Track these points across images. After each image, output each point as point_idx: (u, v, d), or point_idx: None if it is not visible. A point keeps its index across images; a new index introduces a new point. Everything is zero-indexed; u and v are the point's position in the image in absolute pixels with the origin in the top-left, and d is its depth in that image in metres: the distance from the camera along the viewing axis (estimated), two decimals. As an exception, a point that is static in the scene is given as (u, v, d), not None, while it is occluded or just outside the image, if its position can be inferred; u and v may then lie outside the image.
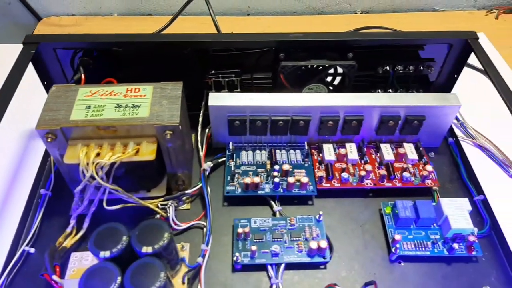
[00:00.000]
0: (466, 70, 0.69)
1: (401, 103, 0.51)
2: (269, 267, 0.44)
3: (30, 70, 0.50)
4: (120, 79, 0.49)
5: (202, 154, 0.52)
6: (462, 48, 0.53)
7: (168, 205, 0.46)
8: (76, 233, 0.46)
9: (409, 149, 0.53)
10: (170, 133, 0.41)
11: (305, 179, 0.49)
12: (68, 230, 0.45)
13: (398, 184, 0.51)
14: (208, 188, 0.49)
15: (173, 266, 0.41)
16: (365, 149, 0.54)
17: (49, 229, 0.47)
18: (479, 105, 0.64)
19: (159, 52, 0.51)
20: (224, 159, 0.53)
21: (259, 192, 0.49)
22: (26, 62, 0.48)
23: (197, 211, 0.49)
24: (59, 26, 0.81)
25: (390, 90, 0.58)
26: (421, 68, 0.55)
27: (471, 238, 0.45)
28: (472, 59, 0.54)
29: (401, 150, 0.53)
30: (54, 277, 0.39)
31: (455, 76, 0.57)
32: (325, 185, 0.50)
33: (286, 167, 0.50)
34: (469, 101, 0.64)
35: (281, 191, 0.50)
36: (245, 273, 0.44)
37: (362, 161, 0.53)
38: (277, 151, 0.53)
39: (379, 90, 0.57)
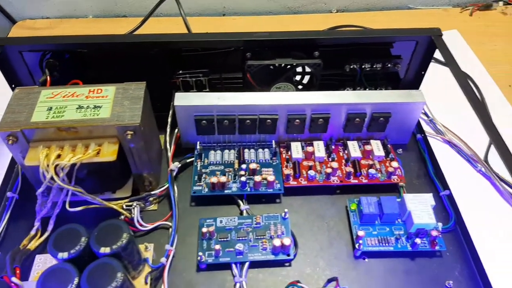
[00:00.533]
0: (437, 66, 0.70)
1: (367, 100, 0.51)
2: (233, 265, 0.44)
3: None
4: (88, 81, 0.49)
5: (170, 154, 0.52)
6: (427, 45, 0.54)
7: (133, 206, 0.46)
8: (41, 235, 0.46)
9: (375, 146, 0.53)
10: (131, 133, 0.41)
11: (271, 178, 0.49)
12: (33, 232, 0.45)
13: (364, 181, 0.51)
14: (175, 188, 0.50)
15: (136, 267, 0.41)
16: (333, 147, 0.54)
17: (15, 231, 0.47)
18: (449, 102, 0.65)
19: (126, 53, 0.52)
20: (193, 159, 0.53)
21: (226, 191, 0.50)
22: (-9, 65, 0.48)
23: (164, 211, 0.49)
24: (34, 29, 0.80)
25: (359, 88, 0.58)
26: (388, 65, 0.56)
27: (434, 233, 0.46)
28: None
29: (368, 147, 0.53)
30: (14, 279, 0.39)
31: (422, 73, 0.57)
32: (292, 183, 0.51)
33: (253, 166, 0.50)
34: (439, 98, 0.65)
35: (248, 190, 0.50)
36: (210, 272, 0.45)
37: (330, 159, 0.53)
38: (246, 150, 0.53)
39: (348, 89, 0.58)
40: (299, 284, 0.42)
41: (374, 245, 0.46)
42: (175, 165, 0.50)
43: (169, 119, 0.54)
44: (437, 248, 0.46)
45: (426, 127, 0.62)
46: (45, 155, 0.41)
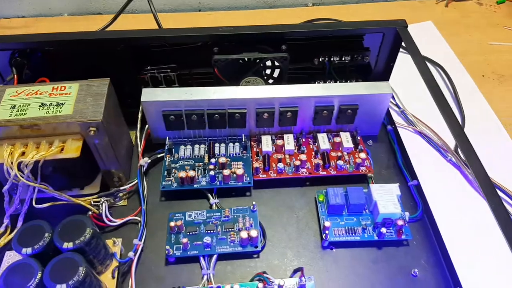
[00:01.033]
0: (409, 58, 0.70)
1: (334, 93, 0.52)
2: (201, 258, 0.45)
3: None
4: (58, 79, 0.49)
5: (140, 150, 0.53)
6: (394, 36, 0.55)
7: (101, 202, 0.46)
8: (11, 232, 0.46)
9: (344, 138, 0.54)
10: (94, 129, 0.42)
11: (240, 171, 0.50)
12: (2, 229, 0.46)
13: (333, 172, 0.52)
14: (145, 183, 0.50)
15: (102, 261, 0.41)
16: (303, 140, 0.55)
17: (-15, 230, 0.48)
18: (420, 93, 0.65)
19: (93, 51, 0.52)
20: (163, 154, 0.53)
21: (196, 185, 0.50)
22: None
23: (134, 207, 0.49)
24: (9, 28, 0.80)
25: (330, 81, 0.59)
26: (357, 58, 0.56)
27: (400, 222, 0.47)
28: (418, 46, 0.54)
29: (337, 139, 0.54)
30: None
31: (391, 64, 0.58)
32: (262, 176, 0.51)
33: (222, 160, 0.51)
34: (411, 89, 0.66)
35: (218, 184, 0.50)
36: (179, 266, 0.45)
37: (299, 151, 0.54)
38: (216, 144, 0.54)
39: (318, 82, 0.58)
40: (265, 275, 0.43)
41: (341, 235, 0.47)
42: (144, 161, 0.51)
43: (139, 115, 0.54)
44: (403, 237, 0.47)
45: (397, 118, 0.63)
46: (9, 152, 0.41)
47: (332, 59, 0.56)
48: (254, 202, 0.48)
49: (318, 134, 0.55)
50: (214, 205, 0.50)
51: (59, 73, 0.51)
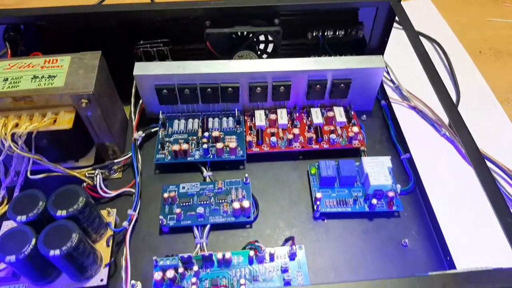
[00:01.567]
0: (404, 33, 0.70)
1: (327, 67, 0.52)
2: (195, 228, 0.46)
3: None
4: (50, 53, 0.49)
5: (134, 124, 0.53)
6: (387, 10, 0.54)
7: (96, 174, 0.47)
8: (8, 203, 0.47)
9: (338, 112, 0.54)
10: (86, 101, 0.42)
11: (233, 144, 0.50)
12: (-1, 200, 0.47)
13: (326, 146, 0.52)
14: (139, 157, 0.51)
15: (97, 230, 0.42)
16: (297, 114, 0.55)
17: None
18: (415, 68, 0.65)
19: (86, 25, 0.52)
20: (157, 128, 0.54)
21: (189, 159, 0.51)
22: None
23: (129, 179, 0.50)
24: (3, 5, 0.80)
25: (324, 56, 0.59)
26: (351, 32, 0.56)
27: (391, 194, 0.47)
28: (415, 23, 0.54)
29: (330, 114, 0.54)
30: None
31: (386, 39, 0.58)
32: (255, 149, 0.52)
33: (215, 133, 0.51)
34: (406, 64, 0.66)
35: (211, 157, 0.51)
36: (172, 235, 0.46)
37: (292, 126, 0.54)
38: (210, 119, 0.54)
39: (312, 56, 0.58)
40: (256, 243, 0.43)
41: (332, 206, 0.47)
42: (138, 134, 0.51)
43: (133, 90, 0.54)
44: (394, 208, 0.47)
45: (392, 94, 0.63)
46: (3, 124, 0.42)
47: (326, 33, 0.56)
48: (246, 175, 0.49)
49: (311, 109, 0.55)
50: (207, 178, 0.50)
51: (54, 49, 0.51)
